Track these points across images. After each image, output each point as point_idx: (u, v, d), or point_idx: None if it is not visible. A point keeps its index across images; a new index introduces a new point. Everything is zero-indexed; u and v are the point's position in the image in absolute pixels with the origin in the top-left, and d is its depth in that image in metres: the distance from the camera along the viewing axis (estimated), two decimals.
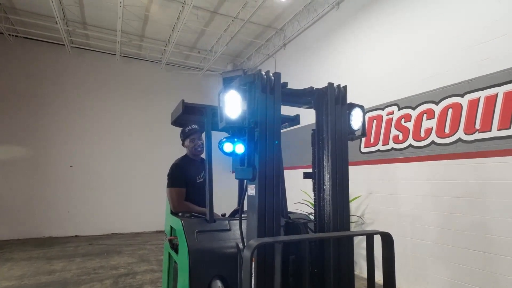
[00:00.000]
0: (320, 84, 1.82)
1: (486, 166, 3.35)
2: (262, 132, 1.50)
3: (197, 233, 1.88)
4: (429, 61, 4.05)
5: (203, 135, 2.46)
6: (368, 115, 4.94)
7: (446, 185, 3.73)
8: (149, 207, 8.20)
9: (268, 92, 1.53)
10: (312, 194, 1.80)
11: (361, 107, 1.83)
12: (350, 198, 5.13)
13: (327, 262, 1.58)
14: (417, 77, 4.19)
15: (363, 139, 5.02)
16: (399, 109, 4.43)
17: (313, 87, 1.75)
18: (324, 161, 1.73)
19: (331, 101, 1.71)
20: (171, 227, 2.34)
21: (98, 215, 8.05)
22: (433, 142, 3.92)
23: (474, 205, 3.43)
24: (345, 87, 1.75)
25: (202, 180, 2.78)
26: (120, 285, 4.16)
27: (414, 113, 4.20)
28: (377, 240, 1.51)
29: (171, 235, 2.36)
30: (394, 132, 4.49)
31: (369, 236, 1.54)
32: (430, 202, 3.90)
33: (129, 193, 8.43)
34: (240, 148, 1.49)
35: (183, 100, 2.19)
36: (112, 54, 8.45)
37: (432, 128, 3.95)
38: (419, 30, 4.21)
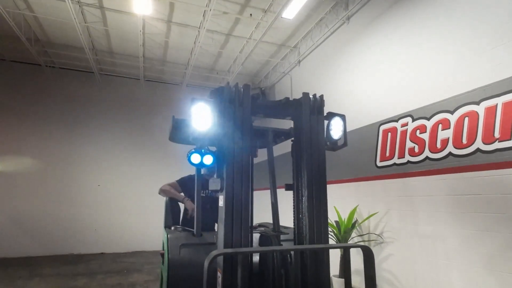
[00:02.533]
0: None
1: (510, 177, 3.07)
2: (230, 143, 1.51)
3: (181, 246, 1.88)
4: (441, 69, 3.88)
5: None
6: (382, 127, 4.79)
7: (468, 200, 3.45)
8: None
9: (237, 104, 1.56)
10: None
11: (342, 116, 1.79)
12: (368, 215, 4.89)
13: (304, 275, 1.52)
14: (430, 86, 4.01)
15: (379, 153, 4.83)
16: (413, 120, 4.24)
17: (288, 98, 1.75)
18: (302, 172, 1.69)
19: (306, 111, 1.69)
20: (163, 242, 2.37)
21: (123, 233, 8.32)
22: (450, 154, 3.69)
23: (500, 222, 3.12)
24: (321, 96, 1.73)
25: (204, 195, 3.05)
26: None
27: (429, 124, 4.00)
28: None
29: (163, 249, 2.38)
30: (409, 144, 4.28)
31: (346, 250, 1.47)
32: (452, 220, 3.61)
33: (153, 211, 8.63)
34: (208, 160, 1.50)
35: (173, 116, 2.27)
36: (136, 79, 8.98)
37: (448, 138, 3.72)
38: (430, 38, 4.07)
